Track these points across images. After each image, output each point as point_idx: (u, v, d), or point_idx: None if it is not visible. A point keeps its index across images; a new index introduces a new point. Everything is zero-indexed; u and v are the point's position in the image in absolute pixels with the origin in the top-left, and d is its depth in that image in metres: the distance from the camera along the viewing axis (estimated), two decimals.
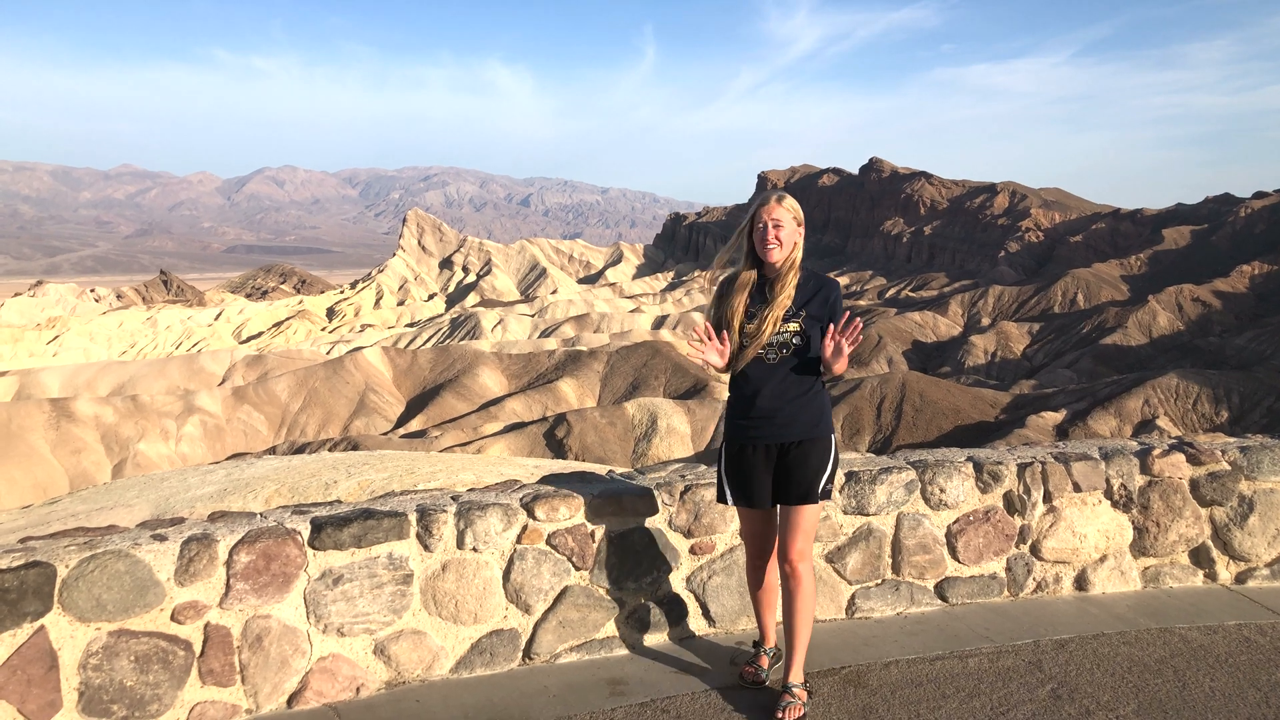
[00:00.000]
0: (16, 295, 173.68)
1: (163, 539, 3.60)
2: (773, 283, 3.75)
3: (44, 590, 3.34)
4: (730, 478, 3.87)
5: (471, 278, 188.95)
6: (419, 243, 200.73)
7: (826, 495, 3.79)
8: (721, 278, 3.88)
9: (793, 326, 3.71)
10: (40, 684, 3.31)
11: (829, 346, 3.65)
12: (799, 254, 3.76)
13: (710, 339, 3.69)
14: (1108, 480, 5.12)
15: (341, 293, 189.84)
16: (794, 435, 3.74)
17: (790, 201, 3.76)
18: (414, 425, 79.16)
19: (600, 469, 6.10)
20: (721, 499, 3.91)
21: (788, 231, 3.72)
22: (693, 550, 4.45)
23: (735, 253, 3.84)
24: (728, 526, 4.50)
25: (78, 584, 3.39)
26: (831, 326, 3.66)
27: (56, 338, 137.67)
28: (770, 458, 3.77)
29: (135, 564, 3.48)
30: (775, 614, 4.04)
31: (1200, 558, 5.28)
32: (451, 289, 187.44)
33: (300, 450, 59.29)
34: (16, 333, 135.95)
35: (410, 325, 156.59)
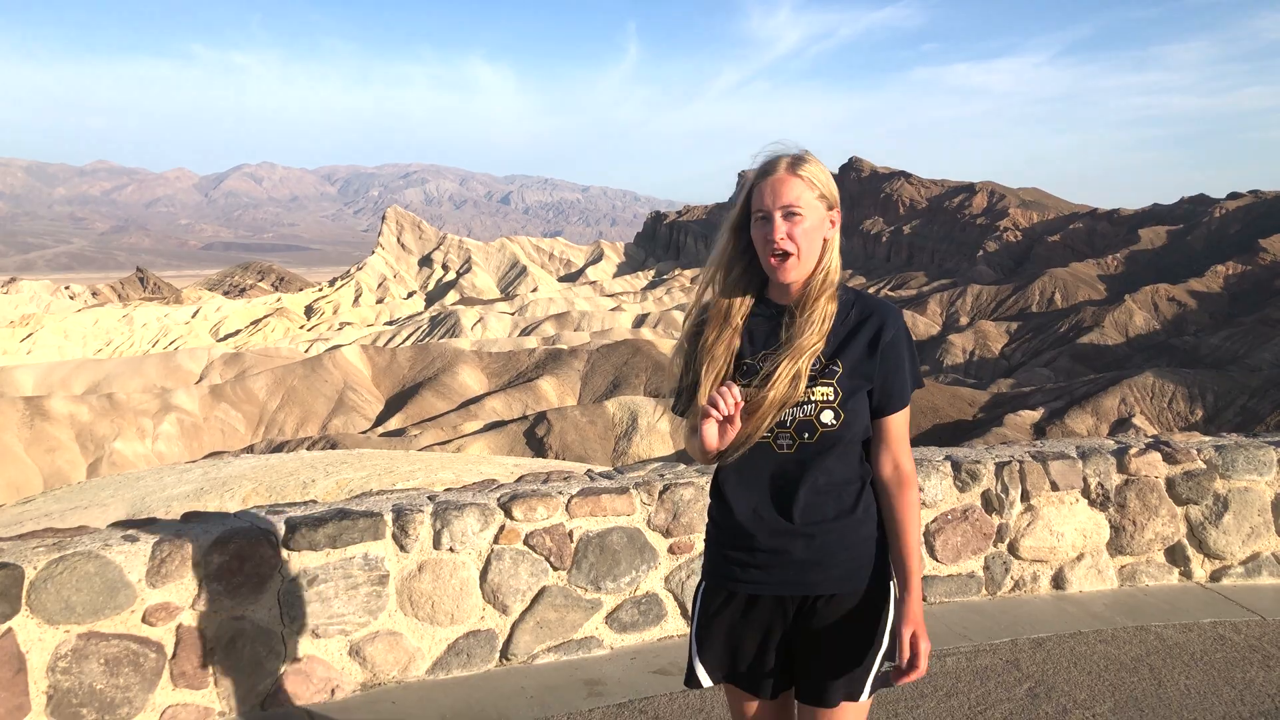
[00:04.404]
0: None
1: (134, 540, 3.54)
2: (791, 311, 2.17)
3: (11, 592, 3.28)
4: (704, 641, 2.25)
5: (451, 276, 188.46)
6: (398, 240, 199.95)
7: (882, 683, 2.19)
8: (698, 305, 2.28)
9: (822, 390, 2.11)
10: (8, 687, 3.25)
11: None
12: (834, 260, 2.20)
13: (731, 398, 2.03)
14: (1085, 479, 5.15)
15: (320, 290, 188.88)
16: (826, 585, 2.15)
17: (812, 167, 2.15)
18: (393, 424, 78.92)
19: (580, 468, 6.08)
20: (690, 679, 2.27)
21: (809, 223, 2.13)
22: (671, 550, 4.43)
23: (719, 265, 2.23)
24: None
25: (46, 586, 3.33)
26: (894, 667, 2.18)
27: (30, 335, 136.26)
28: (783, 616, 2.20)
29: (105, 565, 3.42)
30: None
31: (1176, 556, 5.31)
32: (431, 287, 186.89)
33: (278, 449, 58.90)
34: None
35: (389, 323, 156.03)
